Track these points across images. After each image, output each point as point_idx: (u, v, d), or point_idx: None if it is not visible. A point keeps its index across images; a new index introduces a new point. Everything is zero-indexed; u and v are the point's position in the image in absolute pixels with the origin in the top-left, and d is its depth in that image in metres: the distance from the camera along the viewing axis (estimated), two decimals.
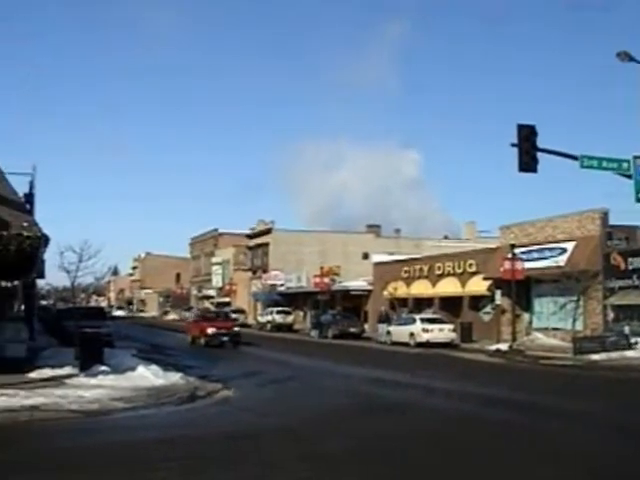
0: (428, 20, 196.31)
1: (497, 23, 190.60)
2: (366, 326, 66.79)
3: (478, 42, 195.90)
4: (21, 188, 35.46)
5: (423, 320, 51.46)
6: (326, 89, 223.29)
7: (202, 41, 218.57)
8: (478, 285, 54.13)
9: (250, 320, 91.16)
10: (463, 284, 56.77)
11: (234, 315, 71.70)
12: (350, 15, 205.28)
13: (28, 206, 32.65)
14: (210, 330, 49.20)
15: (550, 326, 48.16)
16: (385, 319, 57.72)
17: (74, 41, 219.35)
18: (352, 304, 72.58)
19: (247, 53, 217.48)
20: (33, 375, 24.87)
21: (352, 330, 61.92)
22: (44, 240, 23.47)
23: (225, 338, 48.57)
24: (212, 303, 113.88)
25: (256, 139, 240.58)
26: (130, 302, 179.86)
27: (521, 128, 29.91)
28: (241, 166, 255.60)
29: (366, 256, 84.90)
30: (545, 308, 49.88)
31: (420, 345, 48.64)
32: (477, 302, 54.99)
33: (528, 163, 29.91)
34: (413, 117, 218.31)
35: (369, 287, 72.13)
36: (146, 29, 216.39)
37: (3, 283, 75.48)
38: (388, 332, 53.72)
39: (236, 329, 50.25)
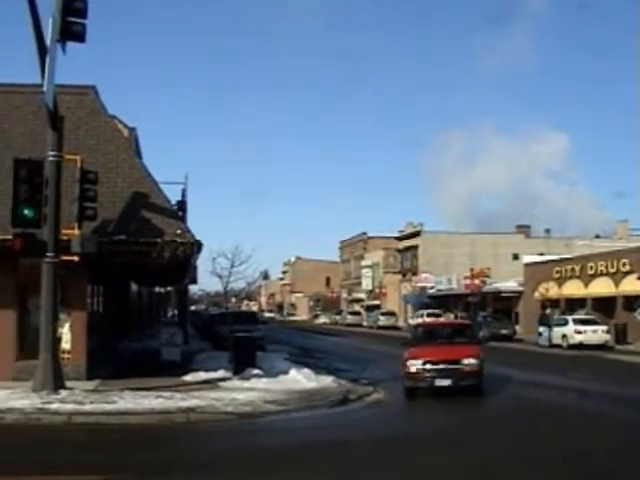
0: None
1: None
2: (517, 328, 65.73)
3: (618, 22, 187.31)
4: (174, 196, 36.51)
5: (576, 321, 50.24)
6: (462, 77, 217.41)
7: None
8: (632, 285, 52.52)
9: (401, 323, 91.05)
10: (616, 284, 55.19)
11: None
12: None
13: (181, 214, 33.50)
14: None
15: None
16: (545, 321, 55.76)
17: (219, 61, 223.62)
18: (503, 306, 71.53)
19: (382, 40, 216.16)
20: (188, 378, 25.42)
21: (503, 332, 60.96)
22: (197, 246, 23.98)
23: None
24: (362, 306, 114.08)
25: (396, 136, 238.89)
26: (281, 306, 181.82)
27: None
28: (384, 167, 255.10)
29: (516, 257, 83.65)
30: None
31: (573, 347, 47.57)
32: (632, 302, 53.31)
33: None
34: (557, 102, 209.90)
35: (520, 288, 71.02)
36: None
37: (157, 289, 77.86)
38: (540, 334, 52.67)
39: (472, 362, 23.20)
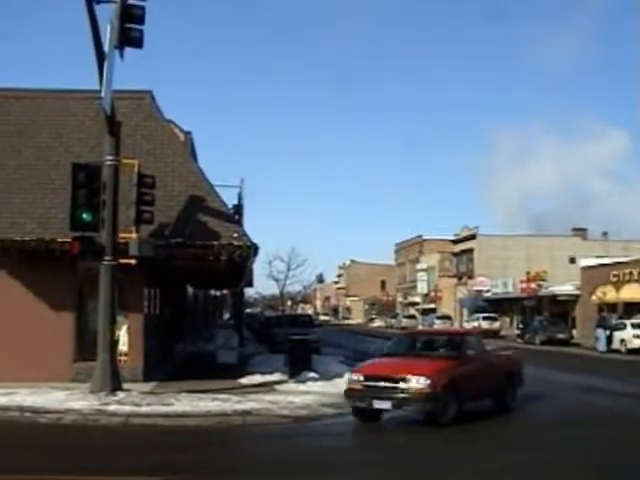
0: None
1: None
2: (574, 332, 65.06)
3: None
4: (230, 200, 36.69)
5: (634, 326, 49.62)
6: (515, 73, 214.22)
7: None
8: None
9: (456, 327, 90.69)
10: None
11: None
12: None
13: (237, 217, 33.65)
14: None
15: None
16: (603, 324, 54.67)
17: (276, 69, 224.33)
18: (559, 309, 70.82)
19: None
20: (244, 381, 25.52)
21: (560, 336, 60.46)
22: (253, 249, 24.08)
23: None
24: (417, 310, 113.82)
25: (451, 136, 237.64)
26: (336, 310, 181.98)
27: None
28: (439, 168, 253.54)
29: (573, 260, 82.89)
30: None
31: (632, 352, 46.97)
32: None
33: None
34: (616, 99, 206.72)
35: (577, 292, 70.27)
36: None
37: (213, 292, 78.30)
38: (597, 338, 51.89)
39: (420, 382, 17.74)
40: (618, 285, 61.88)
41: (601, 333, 51.49)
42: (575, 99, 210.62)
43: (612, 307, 61.21)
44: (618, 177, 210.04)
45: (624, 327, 49.67)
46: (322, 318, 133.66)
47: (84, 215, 20.46)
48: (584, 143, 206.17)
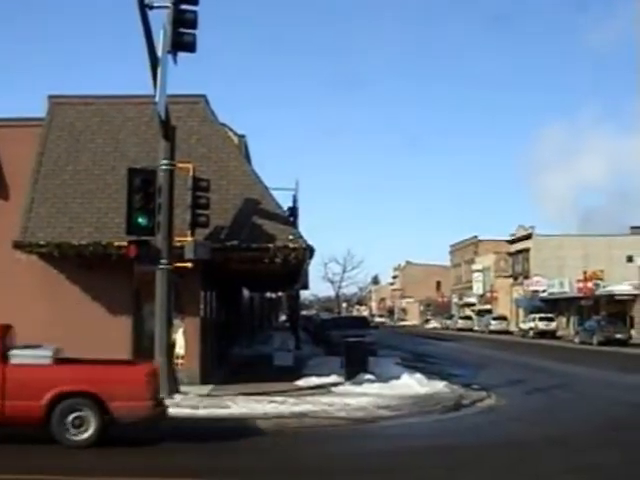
0: None
1: None
2: (633, 332, 64.26)
3: None
4: (285, 203, 36.78)
5: None
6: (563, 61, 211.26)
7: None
8: None
9: (512, 327, 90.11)
10: None
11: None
12: None
13: (292, 219, 33.71)
14: None
15: None
16: None
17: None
18: (617, 309, 70.02)
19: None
20: (300, 383, 25.53)
21: (618, 336, 59.79)
22: (309, 252, 24.12)
23: None
24: (473, 311, 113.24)
25: (501, 133, 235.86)
26: (391, 311, 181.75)
27: None
28: (489, 167, 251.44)
29: (630, 259, 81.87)
30: None
31: None
32: None
33: None
34: None
35: (635, 291, 69.43)
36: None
37: (269, 294, 78.57)
38: None
39: None
40: None
41: None
42: (627, 85, 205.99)
43: None
44: None
45: None
46: (377, 320, 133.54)
47: (140, 219, 20.63)
48: (636, 133, 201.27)
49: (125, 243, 21.35)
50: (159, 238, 21.06)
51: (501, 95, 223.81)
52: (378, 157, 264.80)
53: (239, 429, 17.60)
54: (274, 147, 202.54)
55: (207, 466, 13.40)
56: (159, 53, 20.17)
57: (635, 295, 69.12)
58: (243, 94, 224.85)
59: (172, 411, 18.85)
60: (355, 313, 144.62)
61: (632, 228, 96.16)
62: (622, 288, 71.75)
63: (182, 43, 20.21)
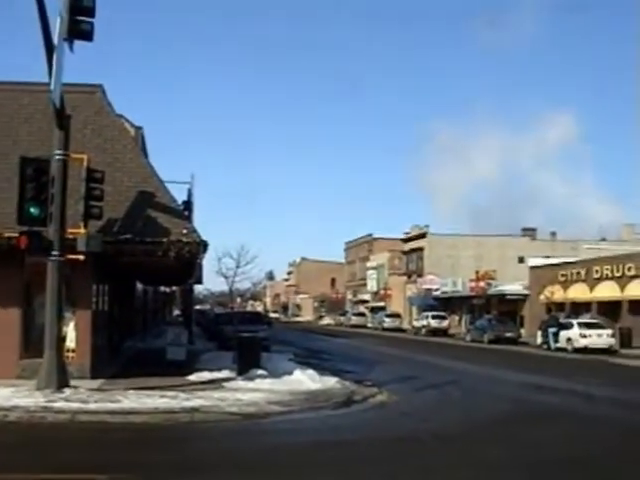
0: None
1: None
2: (522, 331, 65.71)
3: None
4: (180, 196, 36.53)
5: (581, 325, 50.34)
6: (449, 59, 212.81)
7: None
8: (638, 289, 52.50)
9: (405, 325, 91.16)
10: (622, 288, 55.14)
11: None
12: None
13: (187, 213, 33.52)
14: None
15: None
16: (554, 323, 54.55)
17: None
18: (508, 308, 71.46)
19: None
20: (193, 378, 25.42)
21: (508, 335, 61.16)
22: (202, 246, 24.00)
23: None
24: (367, 307, 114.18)
25: (396, 133, 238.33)
26: (285, 307, 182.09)
27: None
28: (385, 165, 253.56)
29: (522, 260, 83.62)
30: None
31: (578, 351, 47.63)
32: (637, 307, 53.24)
33: None
34: (561, 77, 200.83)
35: (525, 291, 71.00)
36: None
37: (163, 288, 77.99)
38: (546, 336, 52.25)
39: None
40: (566, 285, 62.63)
41: (552, 331, 51.90)
42: (520, 84, 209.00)
43: (560, 306, 61.89)
44: (562, 169, 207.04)
45: (571, 326, 50.30)
46: (272, 315, 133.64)
47: (32, 209, 20.23)
48: (528, 133, 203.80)
49: (16, 234, 20.90)
50: (51, 229, 20.68)
51: (393, 90, 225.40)
52: (273, 154, 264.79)
53: (129, 424, 17.46)
54: (171, 140, 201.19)
55: (94, 462, 13.20)
56: (55, 41, 19.81)
57: (525, 295, 70.62)
58: (143, 85, 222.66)
59: (61, 405, 18.63)
60: (249, 308, 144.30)
61: (523, 230, 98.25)
62: (513, 288, 73.23)
63: (79, 31, 19.86)
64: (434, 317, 79.88)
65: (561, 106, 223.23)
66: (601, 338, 48.77)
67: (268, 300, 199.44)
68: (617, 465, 13.81)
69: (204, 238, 23.99)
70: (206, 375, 25.91)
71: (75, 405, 18.76)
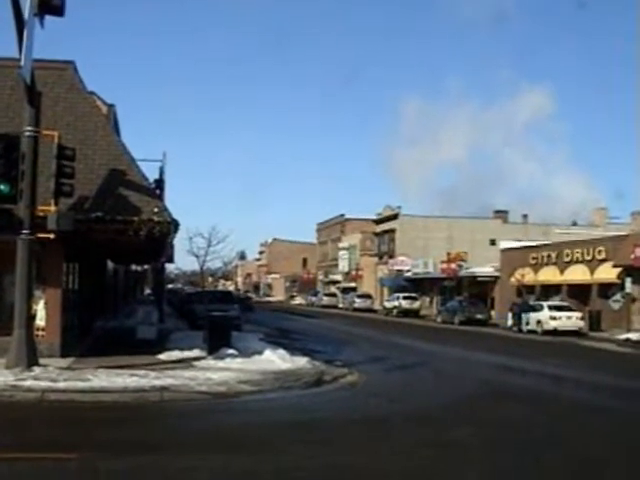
0: None
1: None
2: (493, 313, 66.07)
3: None
4: (152, 175, 36.35)
5: (551, 307, 50.73)
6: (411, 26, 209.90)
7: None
8: (607, 273, 52.82)
9: (377, 305, 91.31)
10: (592, 271, 55.48)
11: None
12: None
13: (158, 192, 33.36)
14: None
15: None
16: (525, 307, 54.83)
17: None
18: (479, 290, 71.69)
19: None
20: (163, 357, 25.40)
21: (479, 317, 61.51)
22: (174, 225, 23.94)
23: None
24: (338, 288, 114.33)
25: (367, 113, 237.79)
26: (257, 286, 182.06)
27: None
28: (362, 148, 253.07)
29: (493, 242, 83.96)
30: None
31: (547, 333, 48.00)
32: (606, 290, 53.55)
33: None
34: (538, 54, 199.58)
35: (496, 274, 71.25)
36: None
37: (134, 267, 77.75)
38: (519, 318, 52.63)
39: None
40: (536, 267, 62.93)
41: (523, 315, 52.44)
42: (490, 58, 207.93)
43: (530, 289, 62.21)
44: (534, 148, 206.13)
45: (541, 309, 50.65)
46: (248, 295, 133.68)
47: (1, 187, 20.05)
48: (498, 111, 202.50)
49: None
50: (21, 207, 20.54)
51: (365, 68, 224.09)
52: (247, 133, 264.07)
53: (99, 403, 17.43)
54: (144, 118, 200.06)
55: (63, 441, 13.18)
56: (26, 15, 19.61)
57: (496, 277, 70.88)
58: (115, 62, 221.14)
59: (30, 384, 18.56)
60: (220, 288, 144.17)
61: (495, 212, 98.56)
62: (484, 270, 73.47)
63: (50, 6, 19.72)
64: (405, 298, 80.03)
65: (530, 84, 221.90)
66: (570, 320, 49.12)
67: (239, 280, 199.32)
68: (576, 441, 14.03)
69: (175, 217, 23.93)
70: (176, 354, 25.89)
71: (44, 384, 18.71)
